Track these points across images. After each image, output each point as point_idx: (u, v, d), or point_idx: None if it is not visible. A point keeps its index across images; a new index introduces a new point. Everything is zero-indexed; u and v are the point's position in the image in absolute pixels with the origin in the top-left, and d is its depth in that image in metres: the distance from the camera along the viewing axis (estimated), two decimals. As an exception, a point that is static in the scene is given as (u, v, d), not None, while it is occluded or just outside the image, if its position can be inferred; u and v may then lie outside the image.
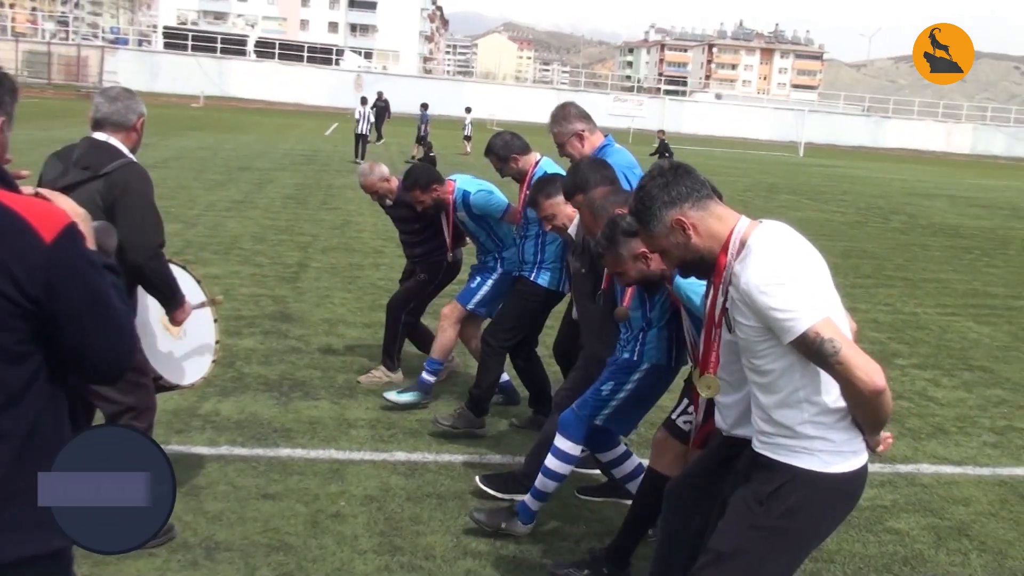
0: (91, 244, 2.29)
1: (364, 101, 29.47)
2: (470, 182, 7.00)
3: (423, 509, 5.31)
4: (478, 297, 6.94)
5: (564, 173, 5.91)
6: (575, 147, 5.89)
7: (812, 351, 2.88)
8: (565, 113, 5.99)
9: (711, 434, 3.76)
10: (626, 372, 4.80)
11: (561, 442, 4.94)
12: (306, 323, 9.09)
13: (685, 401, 4.41)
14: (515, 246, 6.64)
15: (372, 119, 28.09)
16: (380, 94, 39.15)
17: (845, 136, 79.65)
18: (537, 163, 6.54)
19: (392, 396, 6.96)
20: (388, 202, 7.56)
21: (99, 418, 4.72)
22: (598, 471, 5.63)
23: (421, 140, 30.57)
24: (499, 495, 5.47)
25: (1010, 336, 10.87)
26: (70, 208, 2.29)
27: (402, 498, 5.43)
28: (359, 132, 28.55)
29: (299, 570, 4.56)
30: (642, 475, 4.99)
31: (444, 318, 7.03)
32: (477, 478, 5.60)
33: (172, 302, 4.75)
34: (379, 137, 37.65)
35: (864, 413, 2.98)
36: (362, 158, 27.15)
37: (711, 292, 3.30)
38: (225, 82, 71.19)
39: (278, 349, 8.13)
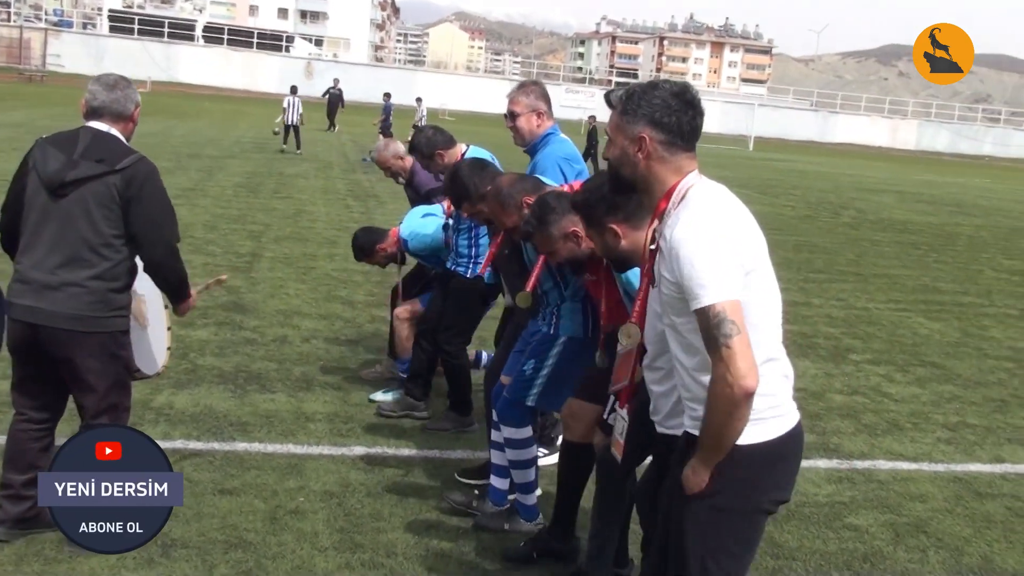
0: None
1: (294, 90, 28.89)
2: (410, 223, 6.87)
3: (383, 505, 5.24)
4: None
5: (492, 159, 6.04)
6: (530, 122, 5.89)
7: (707, 327, 2.83)
8: (534, 89, 6.00)
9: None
10: (545, 348, 4.82)
11: (508, 431, 4.94)
12: (261, 314, 8.96)
13: (612, 398, 4.32)
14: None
15: (301, 109, 27.56)
16: (335, 82, 38.78)
17: (794, 130, 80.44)
18: (463, 154, 6.44)
19: (378, 396, 6.91)
20: (401, 180, 7.49)
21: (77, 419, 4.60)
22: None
23: (385, 130, 30.25)
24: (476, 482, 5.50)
25: (960, 332, 11.01)
26: None
27: (362, 494, 5.36)
28: (289, 123, 27.76)
29: (258, 568, 4.48)
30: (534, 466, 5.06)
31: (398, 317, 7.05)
32: (456, 473, 5.65)
33: (181, 295, 4.71)
34: (332, 126, 37.33)
35: (716, 420, 2.88)
36: (299, 148, 26.68)
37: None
38: (173, 67, 70.21)
39: (232, 340, 8.00)
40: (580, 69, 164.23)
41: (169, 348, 5.19)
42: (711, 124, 77.18)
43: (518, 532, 5.02)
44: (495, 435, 5.10)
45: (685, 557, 3.09)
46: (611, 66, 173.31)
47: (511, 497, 5.20)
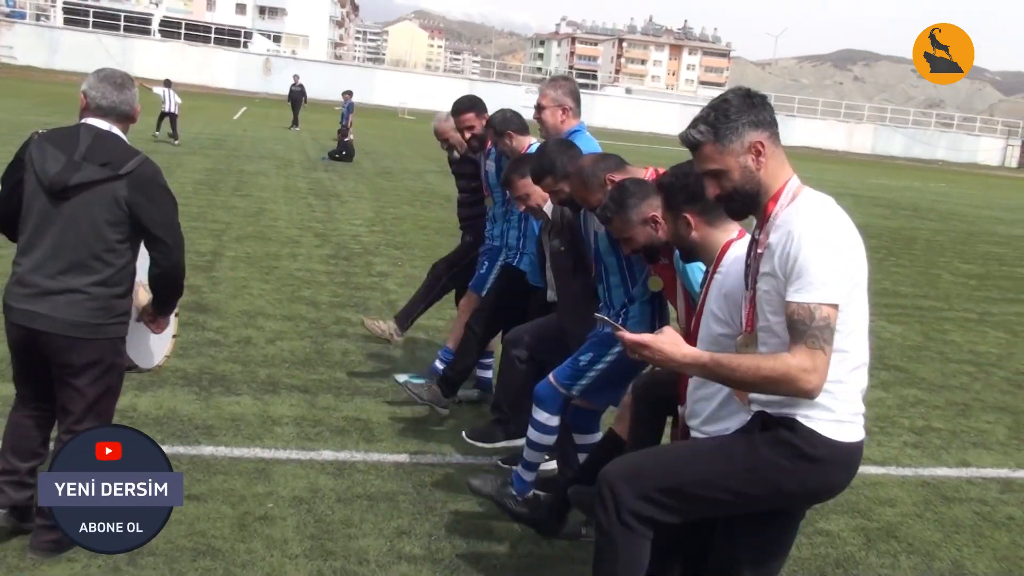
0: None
1: (168, 84, 28.05)
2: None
3: (354, 511, 5.16)
4: (490, 283, 6.80)
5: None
6: (554, 116, 5.81)
7: (806, 322, 2.84)
8: (564, 84, 5.94)
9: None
10: (607, 345, 4.75)
11: (538, 414, 4.92)
12: (224, 315, 8.82)
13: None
14: (505, 224, 6.58)
15: (179, 99, 26.83)
16: (296, 78, 38.41)
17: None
18: (530, 146, 6.28)
19: (401, 378, 6.76)
20: (456, 154, 7.36)
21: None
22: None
23: (344, 130, 29.87)
24: (488, 445, 5.58)
25: (922, 336, 11.10)
26: None
27: (332, 499, 5.27)
28: (166, 111, 26.87)
29: (228, 576, 4.39)
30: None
31: (462, 311, 6.99)
32: (464, 433, 5.67)
33: (174, 304, 4.62)
34: (295, 123, 36.98)
35: (764, 380, 2.92)
36: (175, 136, 25.92)
37: (705, 282, 3.39)
38: (128, 61, 69.10)
39: (196, 342, 7.86)
40: (540, 69, 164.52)
41: (175, 336, 5.06)
42: (670, 126, 77.53)
43: (505, 502, 5.00)
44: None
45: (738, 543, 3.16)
46: (571, 67, 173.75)
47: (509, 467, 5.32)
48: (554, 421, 4.93)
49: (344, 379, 7.36)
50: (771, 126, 3.07)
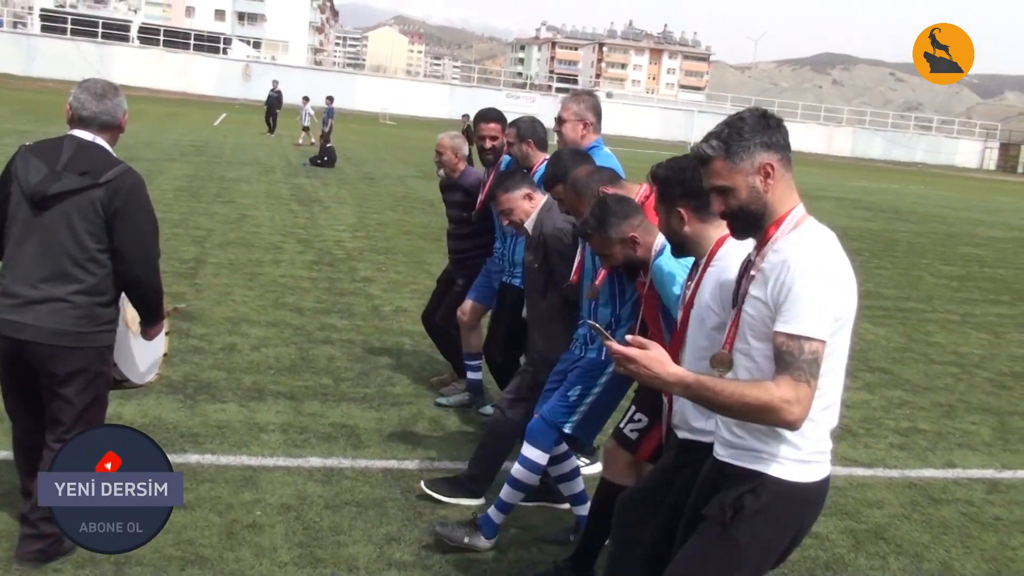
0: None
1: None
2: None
3: (343, 518, 5.13)
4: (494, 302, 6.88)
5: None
6: (575, 131, 5.80)
7: (793, 354, 2.81)
8: (586, 99, 5.95)
9: (659, 446, 3.70)
10: (594, 375, 4.70)
11: (529, 451, 4.83)
12: (208, 322, 8.77)
13: (632, 408, 4.34)
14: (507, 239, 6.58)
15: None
16: (275, 84, 38.30)
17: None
18: (542, 162, 6.23)
19: (444, 400, 7.10)
20: (441, 173, 7.26)
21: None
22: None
23: (325, 135, 29.82)
24: (446, 499, 5.40)
25: (905, 337, 11.14)
26: None
27: (320, 506, 5.24)
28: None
29: (217, 585, 4.35)
30: (578, 477, 5.00)
31: (468, 319, 7.04)
32: (422, 483, 5.50)
33: (154, 317, 4.56)
34: (272, 130, 36.87)
35: (746, 406, 2.86)
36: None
37: (696, 275, 3.36)
38: (107, 68, 68.79)
39: (180, 349, 7.80)
40: (520, 74, 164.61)
41: (166, 355, 5.04)
42: (650, 130, 77.79)
43: (474, 549, 4.91)
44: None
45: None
46: (551, 71, 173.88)
47: (478, 513, 5.11)
48: (545, 459, 4.85)
49: (330, 385, 7.32)
50: (784, 149, 3.04)
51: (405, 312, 9.94)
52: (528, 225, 5.34)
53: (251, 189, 19.38)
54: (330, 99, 32.42)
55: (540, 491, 5.39)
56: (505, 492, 4.92)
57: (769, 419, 2.84)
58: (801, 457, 2.99)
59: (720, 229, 3.53)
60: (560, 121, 5.86)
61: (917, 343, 10.92)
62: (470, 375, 7.18)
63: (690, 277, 3.66)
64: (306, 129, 34.32)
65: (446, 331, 7.40)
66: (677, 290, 3.88)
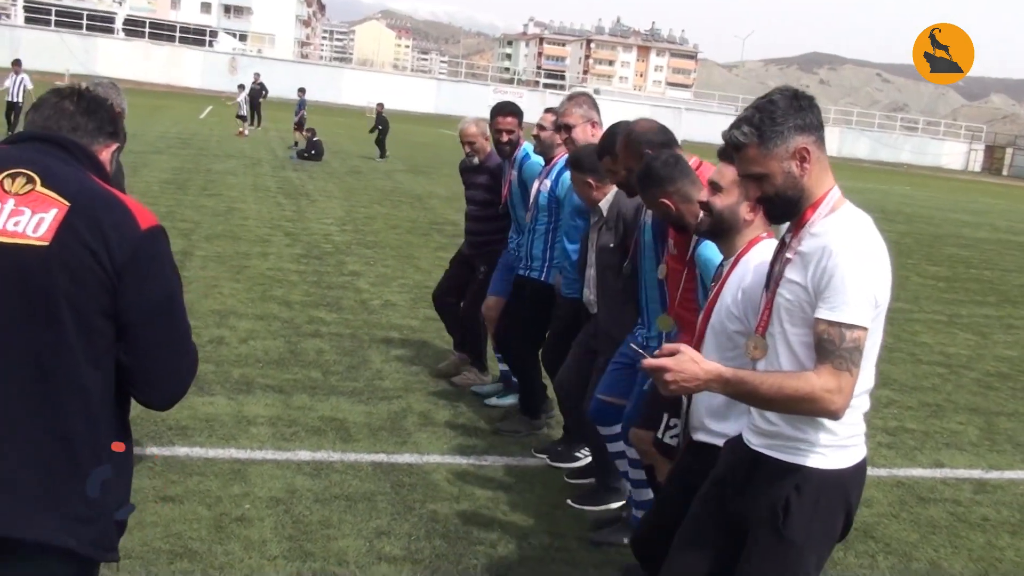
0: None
1: (17, 63, 27.22)
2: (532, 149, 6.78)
3: (332, 511, 5.10)
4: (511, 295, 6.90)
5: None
6: (585, 133, 5.85)
7: (836, 342, 2.76)
8: (584, 99, 6.02)
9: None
10: None
11: (632, 452, 4.85)
12: (195, 314, 8.71)
13: (666, 416, 4.28)
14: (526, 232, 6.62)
15: (29, 85, 25.89)
16: (256, 76, 38.12)
17: (720, 135, 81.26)
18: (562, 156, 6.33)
19: (495, 401, 7.12)
20: (475, 160, 7.30)
21: None
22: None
23: (299, 126, 29.82)
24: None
25: (893, 337, 11.15)
26: None
27: (309, 500, 5.22)
28: (10, 99, 26.35)
29: (205, 579, 4.33)
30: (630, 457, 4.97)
31: (489, 315, 7.10)
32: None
33: None
34: (258, 122, 36.73)
35: (788, 399, 2.83)
36: (12, 129, 25.41)
37: (723, 276, 3.39)
38: (92, 60, 68.47)
39: (167, 341, 7.76)
40: (507, 70, 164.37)
41: None
42: (638, 127, 77.71)
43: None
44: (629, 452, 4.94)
45: None
46: (538, 67, 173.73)
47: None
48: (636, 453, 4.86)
49: (319, 378, 7.29)
50: (818, 130, 2.94)
51: (394, 306, 9.91)
52: (603, 205, 5.34)
53: (238, 182, 19.30)
54: (302, 91, 32.50)
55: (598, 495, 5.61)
56: (634, 492, 5.03)
57: (811, 410, 2.81)
58: (839, 443, 2.97)
59: (754, 230, 3.51)
60: (567, 128, 5.88)
61: (904, 343, 10.95)
62: (502, 367, 7.28)
63: (715, 278, 3.63)
64: (242, 118, 34.25)
65: (456, 310, 7.57)
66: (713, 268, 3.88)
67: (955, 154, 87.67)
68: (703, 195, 3.62)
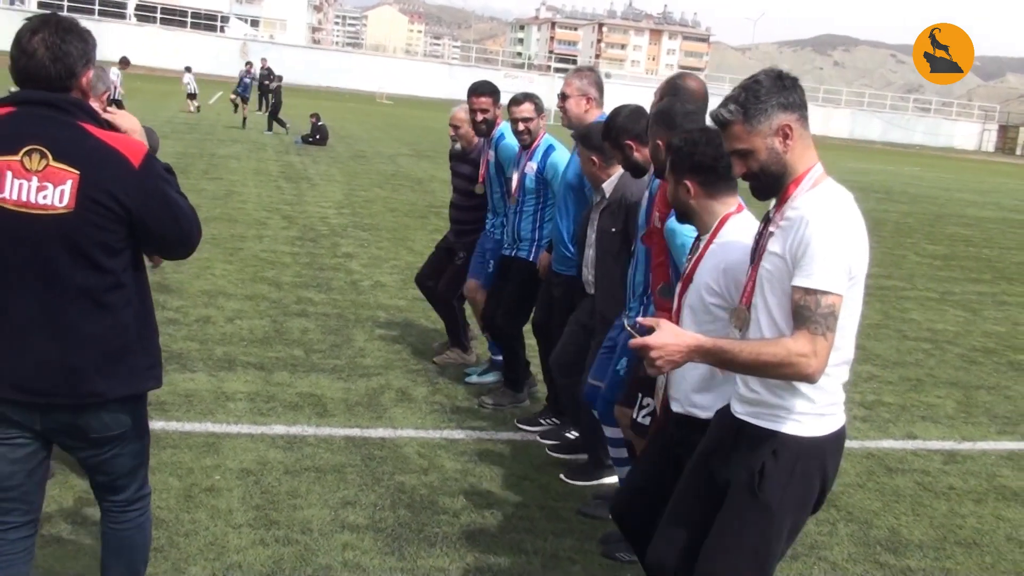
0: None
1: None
2: (508, 131, 6.83)
3: (301, 483, 5.23)
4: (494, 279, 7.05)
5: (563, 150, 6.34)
6: (578, 105, 5.89)
7: (810, 308, 2.88)
8: (588, 74, 6.05)
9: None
10: None
11: (609, 431, 4.99)
12: (185, 294, 8.85)
13: (639, 396, 4.38)
14: (509, 213, 6.74)
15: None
16: (263, 61, 38.18)
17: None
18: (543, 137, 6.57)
19: (475, 379, 7.25)
20: (458, 147, 7.42)
21: None
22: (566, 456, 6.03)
23: (243, 98, 30.61)
24: (590, 483, 5.65)
25: (881, 314, 11.23)
26: (132, 126, 3.20)
27: (280, 472, 5.34)
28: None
29: (170, 545, 4.45)
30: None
31: (473, 298, 7.26)
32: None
33: None
34: (267, 107, 36.73)
35: (767, 364, 2.93)
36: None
37: (699, 251, 3.49)
38: (103, 45, 67.67)
39: (154, 320, 7.88)
40: (520, 55, 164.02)
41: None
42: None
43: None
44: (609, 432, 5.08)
45: (730, 551, 3.16)
46: (550, 52, 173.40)
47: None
48: (619, 433, 4.96)
49: (301, 356, 7.41)
50: (800, 109, 3.09)
51: (383, 287, 10.02)
52: (606, 187, 5.40)
53: (240, 166, 19.43)
54: (249, 64, 33.15)
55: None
56: (620, 472, 5.14)
57: (788, 374, 2.91)
58: (817, 411, 3.08)
59: (726, 206, 3.60)
60: (563, 96, 5.94)
61: (893, 320, 11.01)
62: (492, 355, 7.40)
63: (691, 251, 3.73)
64: (191, 96, 34.37)
65: (442, 296, 7.63)
66: (682, 254, 3.99)
67: (968, 134, 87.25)
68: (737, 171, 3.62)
